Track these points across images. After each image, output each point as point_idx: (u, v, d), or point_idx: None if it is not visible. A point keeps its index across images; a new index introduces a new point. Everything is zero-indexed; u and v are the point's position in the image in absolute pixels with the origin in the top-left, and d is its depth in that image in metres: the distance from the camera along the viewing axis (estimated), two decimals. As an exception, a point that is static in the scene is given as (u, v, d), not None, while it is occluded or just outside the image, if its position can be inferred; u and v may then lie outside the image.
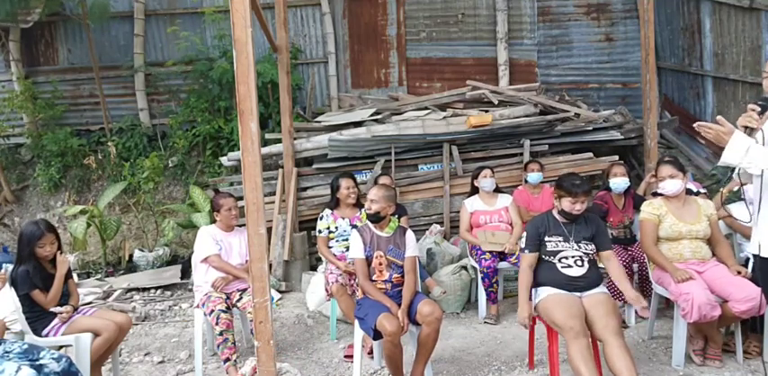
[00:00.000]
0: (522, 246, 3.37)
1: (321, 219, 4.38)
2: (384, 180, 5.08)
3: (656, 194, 3.81)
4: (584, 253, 3.24)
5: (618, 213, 4.43)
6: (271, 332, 2.70)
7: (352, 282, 4.01)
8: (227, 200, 3.99)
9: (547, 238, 3.29)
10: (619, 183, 4.44)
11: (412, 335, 3.29)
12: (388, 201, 3.45)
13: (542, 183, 5.12)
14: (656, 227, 3.60)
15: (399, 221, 4.47)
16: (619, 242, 4.32)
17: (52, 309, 3.37)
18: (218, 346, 3.58)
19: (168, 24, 7.25)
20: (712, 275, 3.41)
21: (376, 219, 3.42)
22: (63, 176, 7.25)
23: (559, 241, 3.26)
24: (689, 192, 3.87)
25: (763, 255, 2.43)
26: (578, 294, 3.16)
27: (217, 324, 3.58)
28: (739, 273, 3.38)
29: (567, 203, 3.26)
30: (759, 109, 2.20)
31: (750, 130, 2.21)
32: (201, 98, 7.08)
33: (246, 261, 3.89)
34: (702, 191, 4.39)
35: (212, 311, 3.63)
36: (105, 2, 6.95)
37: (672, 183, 3.54)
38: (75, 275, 4.94)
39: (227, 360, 3.53)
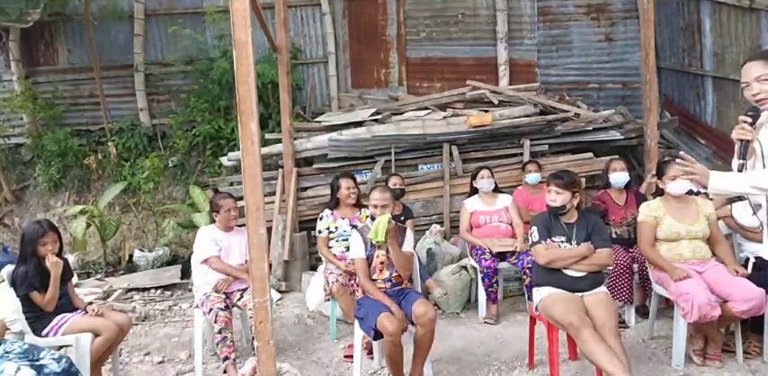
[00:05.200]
0: (535, 238, 3.32)
1: (321, 219, 4.38)
2: (394, 180, 5.08)
3: (656, 194, 3.81)
4: None
5: (619, 210, 4.40)
6: (271, 332, 2.70)
7: (353, 281, 4.01)
8: (227, 201, 3.98)
9: (550, 238, 3.29)
10: (618, 177, 4.44)
11: (411, 334, 3.29)
12: (393, 200, 3.57)
13: (541, 183, 5.11)
14: (654, 228, 3.60)
15: (405, 224, 4.48)
16: (621, 242, 4.31)
17: (88, 310, 3.41)
18: (218, 344, 3.58)
19: (168, 24, 7.24)
20: (712, 275, 3.42)
21: None
22: (63, 176, 7.25)
23: (562, 241, 3.26)
24: (689, 192, 3.88)
25: None
26: (579, 294, 3.17)
27: (215, 322, 3.58)
28: (738, 272, 3.39)
29: (547, 195, 3.33)
30: (750, 120, 2.21)
31: (746, 143, 2.21)
32: (201, 98, 7.08)
33: (246, 261, 3.89)
34: (703, 191, 4.38)
35: (211, 310, 3.64)
36: (118, 3, 6.99)
37: (681, 183, 3.56)
38: (75, 276, 4.95)
39: (227, 358, 3.53)
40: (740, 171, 2.24)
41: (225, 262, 3.92)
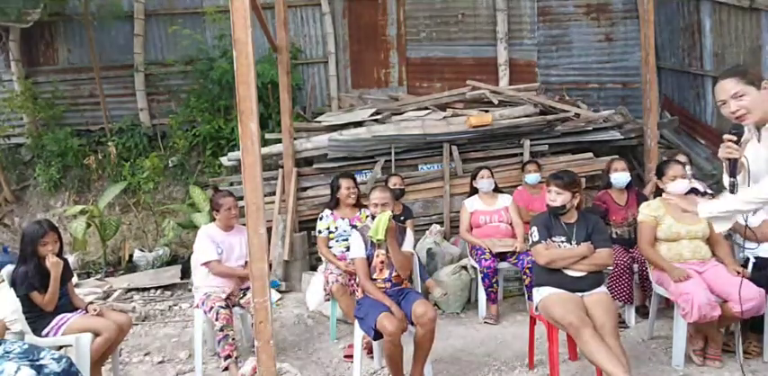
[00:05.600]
0: (535, 238, 3.32)
1: (321, 219, 4.38)
2: (394, 180, 5.08)
3: (657, 194, 3.81)
4: None
5: (620, 210, 4.40)
6: (271, 332, 2.70)
7: (352, 281, 4.01)
8: (227, 199, 3.96)
9: (550, 238, 3.30)
10: (620, 177, 4.44)
11: (411, 334, 3.29)
12: (393, 200, 3.62)
13: (541, 183, 5.11)
14: (654, 228, 3.61)
15: (405, 224, 4.48)
16: (621, 242, 4.30)
17: (89, 309, 3.40)
18: (219, 342, 3.58)
19: (168, 24, 7.24)
20: (712, 275, 3.42)
21: None
22: (63, 176, 7.25)
23: (562, 241, 3.26)
24: (696, 191, 3.88)
25: None
26: (579, 294, 3.17)
27: (217, 320, 3.58)
28: (738, 273, 3.39)
29: (547, 195, 3.34)
30: (735, 138, 2.22)
31: (734, 161, 2.22)
32: (201, 98, 7.08)
33: (247, 261, 3.88)
34: (710, 191, 4.36)
35: (212, 308, 3.64)
36: (117, 3, 6.99)
37: (681, 184, 3.55)
38: (75, 276, 4.95)
39: (228, 357, 3.52)
40: (731, 188, 2.26)
41: (225, 264, 3.92)
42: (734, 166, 2.24)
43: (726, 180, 2.31)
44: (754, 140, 2.29)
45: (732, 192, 2.27)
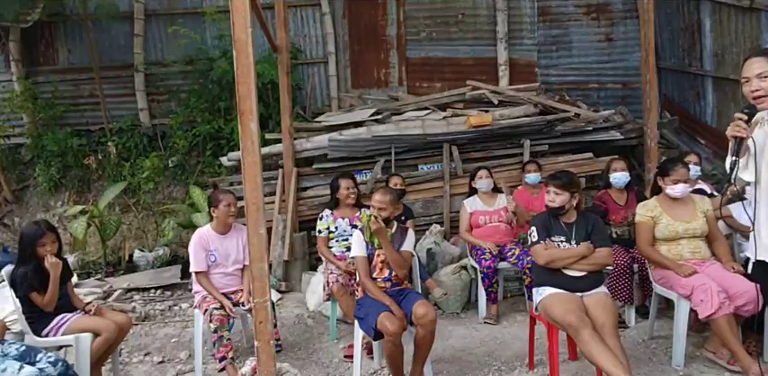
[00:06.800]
0: (534, 238, 3.31)
1: (321, 219, 4.39)
2: (395, 180, 5.08)
3: (654, 192, 3.80)
4: None
5: (620, 210, 4.39)
6: (271, 332, 2.70)
7: (353, 281, 4.01)
8: (227, 195, 3.90)
9: (549, 238, 3.29)
10: (619, 177, 4.43)
11: (411, 335, 3.29)
12: (394, 204, 3.54)
13: (541, 183, 5.11)
14: (652, 228, 3.60)
15: (406, 224, 4.49)
16: (621, 242, 4.30)
17: (86, 308, 3.42)
18: (214, 344, 3.58)
19: (168, 24, 7.24)
20: (710, 273, 3.42)
21: (385, 223, 3.41)
22: (63, 176, 7.25)
23: (561, 241, 3.26)
24: (702, 192, 3.86)
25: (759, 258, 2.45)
26: (579, 294, 3.17)
27: (210, 321, 3.57)
28: (734, 269, 3.39)
29: (546, 196, 3.33)
30: (746, 117, 2.20)
31: (740, 140, 2.20)
32: (201, 98, 7.08)
33: (244, 265, 3.87)
34: (716, 194, 4.34)
35: (206, 310, 3.65)
36: (114, 3, 7.01)
37: (681, 188, 3.55)
38: (75, 276, 4.95)
39: (224, 358, 3.52)
40: (732, 168, 2.24)
41: (220, 270, 3.90)
42: (739, 146, 2.22)
43: (728, 159, 2.28)
44: (766, 127, 2.27)
45: (732, 171, 2.25)
